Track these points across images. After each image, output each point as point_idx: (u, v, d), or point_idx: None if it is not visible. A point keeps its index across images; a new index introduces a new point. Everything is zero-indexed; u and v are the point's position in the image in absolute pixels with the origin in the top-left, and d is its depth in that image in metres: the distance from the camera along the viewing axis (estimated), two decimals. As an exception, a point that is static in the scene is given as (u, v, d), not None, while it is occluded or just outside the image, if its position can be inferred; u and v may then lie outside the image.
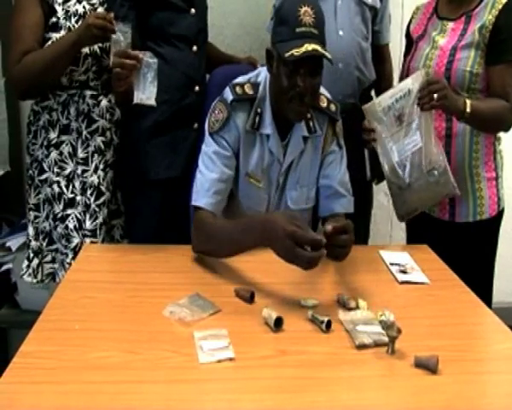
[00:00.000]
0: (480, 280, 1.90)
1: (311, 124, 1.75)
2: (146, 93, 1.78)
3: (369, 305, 1.43)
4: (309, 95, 1.61)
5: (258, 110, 1.71)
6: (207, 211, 1.67)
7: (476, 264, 1.98)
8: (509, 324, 1.40)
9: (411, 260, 1.72)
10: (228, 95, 1.71)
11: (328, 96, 1.81)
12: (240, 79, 1.76)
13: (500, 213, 2.02)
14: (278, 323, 1.31)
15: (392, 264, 1.70)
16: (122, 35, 1.77)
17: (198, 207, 1.69)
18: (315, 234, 1.40)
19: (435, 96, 1.76)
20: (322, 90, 1.79)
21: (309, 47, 1.53)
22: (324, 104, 1.78)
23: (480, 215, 1.98)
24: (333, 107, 1.79)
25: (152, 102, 1.79)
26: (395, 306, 1.42)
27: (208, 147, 1.73)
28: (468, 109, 1.80)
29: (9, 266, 2.40)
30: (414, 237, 2.11)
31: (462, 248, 1.97)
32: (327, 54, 1.57)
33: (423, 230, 2.00)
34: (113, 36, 1.76)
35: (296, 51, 1.53)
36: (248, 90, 1.72)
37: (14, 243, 2.39)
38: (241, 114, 1.71)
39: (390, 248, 1.89)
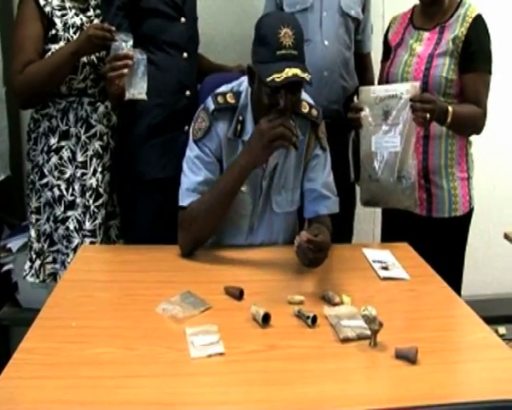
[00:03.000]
0: (451, 273, 1.92)
1: None
2: (137, 88, 1.78)
3: (352, 300, 1.43)
4: (289, 111, 1.60)
5: (240, 118, 1.70)
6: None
7: (449, 257, 2.00)
8: (480, 315, 1.42)
9: (392, 258, 1.73)
10: (210, 104, 1.70)
11: (310, 101, 1.80)
12: (223, 89, 1.75)
13: (471, 211, 2.05)
14: (266, 319, 1.31)
15: (374, 261, 1.70)
16: (123, 43, 1.77)
17: (183, 207, 1.69)
18: None
19: (427, 115, 1.78)
20: (304, 95, 1.78)
21: (289, 72, 1.50)
22: (306, 110, 1.76)
23: (455, 212, 2.01)
24: (314, 112, 1.78)
25: (143, 96, 1.80)
26: (377, 301, 1.42)
27: (192, 152, 1.72)
28: (449, 119, 1.84)
29: (10, 266, 2.39)
30: (389, 230, 2.14)
31: (437, 242, 2.00)
32: (306, 77, 1.54)
33: (399, 222, 2.02)
34: (114, 44, 1.77)
35: (277, 77, 1.50)
36: (230, 99, 1.71)
37: (14, 244, 2.37)
38: (223, 122, 1.70)
39: (372, 246, 1.90)
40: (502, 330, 2.72)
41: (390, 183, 1.89)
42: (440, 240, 2.01)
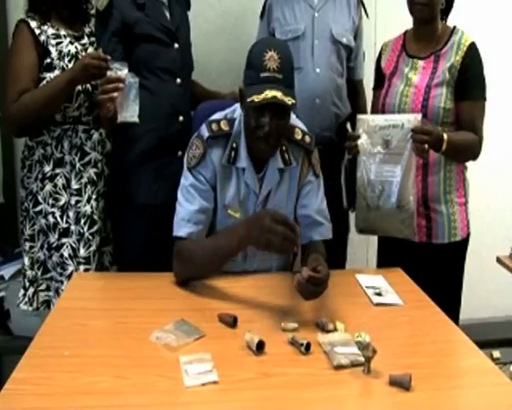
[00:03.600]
0: (450, 297, 1.95)
1: (286, 156, 1.74)
2: (129, 111, 1.79)
3: (346, 327, 1.43)
4: (274, 136, 1.61)
5: (234, 145, 1.71)
6: (188, 239, 1.67)
7: (448, 282, 2.02)
8: (475, 338, 1.43)
9: (385, 283, 1.73)
10: (204, 132, 1.71)
11: (303, 128, 1.81)
12: (216, 116, 1.77)
13: (468, 236, 2.07)
14: (260, 346, 1.31)
15: (367, 287, 1.71)
16: (118, 72, 1.79)
17: (178, 237, 1.68)
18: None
19: (426, 146, 1.82)
20: (297, 122, 1.80)
21: (269, 94, 1.52)
22: (299, 137, 1.77)
23: (454, 237, 2.03)
24: (307, 138, 1.78)
25: (135, 119, 1.81)
26: (371, 327, 1.43)
27: (187, 180, 1.73)
28: (444, 147, 1.86)
29: (2, 294, 2.38)
30: (385, 256, 2.13)
31: (436, 267, 2.01)
32: (286, 100, 1.54)
33: (396, 249, 2.02)
34: (109, 73, 1.79)
35: (256, 98, 1.52)
36: (224, 126, 1.72)
37: (7, 271, 2.36)
38: (217, 149, 1.71)
39: (366, 271, 1.90)
40: (496, 353, 2.72)
41: (389, 211, 1.89)
42: (439, 266, 2.02)
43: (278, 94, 1.54)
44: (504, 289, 2.89)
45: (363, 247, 2.67)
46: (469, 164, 2.08)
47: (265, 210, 1.55)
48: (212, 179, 1.72)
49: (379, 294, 1.66)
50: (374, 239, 2.24)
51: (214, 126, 1.71)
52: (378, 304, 1.61)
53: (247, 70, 1.62)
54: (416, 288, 1.73)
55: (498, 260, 2.27)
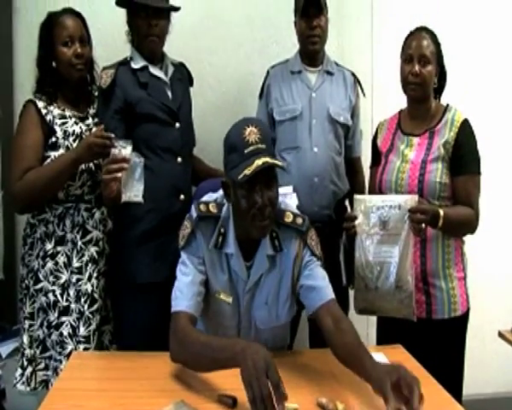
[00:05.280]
0: (453, 374, 1.93)
1: (276, 242, 1.70)
2: (133, 191, 1.84)
3: (346, 407, 1.42)
4: (268, 207, 1.58)
5: (222, 230, 1.68)
6: (187, 315, 1.60)
7: (449, 358, 2.01)
8: None
9: (386, 361, 1.72)
10: (193, 212, 1.71)
11: (295, 210, 1.77)
12: (206, 198, 1.76)
13: (468, 310, 2.09)
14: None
15: (368, 365, 1.70)
16: (122, 150, 1.84)
17: (177, 312, 1.62)
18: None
19: (423, 225, 1.88)
20: (288, 206, 1.78)
21: (259, 162, 1.51)
22: (290, 219, 1.72)
23: (454, 312, 2.04)
24: (299, 220, 1.73)
25: (139, 198, 1.85)
26: (371, 406, 1.42)
27: (181, 258, 1.71)
28: (440, 223, 1.92)
29: (-1, 372, 2.37)
30: (384, 333, 2.14)
31: (437, 343, 2.01)
32: (277, 162, 1.56)
33: (395, 325, 2.02)
34: (113, 150, 1.85)
35: (248, 170, 1.50)
36: (213, 208, 1.70)
37: (4, 349, 2.35)
38: (205, 232, 1.69)
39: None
40: (502, 430, 2.68)
41: (388, 292, 1.91)
42: (440, 342, 2.03)
43: (268, 159, 1.53)
44: (507, 364, 2.88)
45: (363, 323, 2.66)
46: (467, 238, 2.12)
47: (265, 352, 1.36)
48: (202, 258, 1.69)
49: (380, 372, 1.65)
50: (374, 316, 2.25)
51: (203, 207, 1.71)
52: (379, 383, 1.60)
53: (229, 155, 1.60)
54: (417, 365, 1.72)
55: (500, 334, 2.27)
